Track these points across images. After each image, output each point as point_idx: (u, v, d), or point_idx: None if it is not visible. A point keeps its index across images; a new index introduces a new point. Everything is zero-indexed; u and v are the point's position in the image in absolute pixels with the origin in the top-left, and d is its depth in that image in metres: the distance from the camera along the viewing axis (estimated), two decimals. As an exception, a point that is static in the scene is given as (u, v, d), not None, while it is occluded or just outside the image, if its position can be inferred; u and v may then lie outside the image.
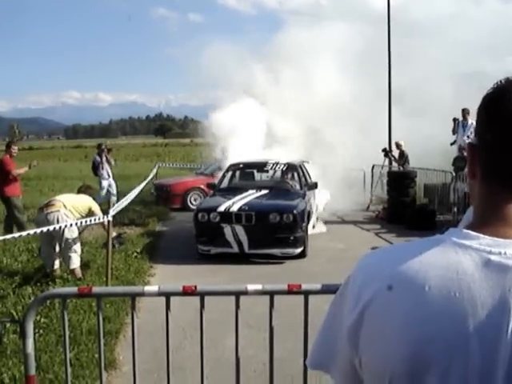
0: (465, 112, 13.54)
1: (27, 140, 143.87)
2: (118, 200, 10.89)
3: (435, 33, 20.62)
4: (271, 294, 2.81)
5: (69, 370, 3.01)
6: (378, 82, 15.61)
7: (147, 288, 3.06)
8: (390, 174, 13.29)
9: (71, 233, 7.16)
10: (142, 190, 11.55)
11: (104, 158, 14.56)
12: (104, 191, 13.96)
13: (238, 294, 2.82)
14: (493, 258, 0.83)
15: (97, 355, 3.91)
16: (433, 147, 13.63)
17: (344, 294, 0.96)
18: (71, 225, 6.98)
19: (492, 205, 0.90)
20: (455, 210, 11.21)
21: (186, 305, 3.92)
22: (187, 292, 2.77)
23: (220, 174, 11.58)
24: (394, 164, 14.21)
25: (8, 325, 5.14)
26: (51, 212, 7.14)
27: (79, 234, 7.58)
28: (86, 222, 7.15)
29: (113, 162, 15.00)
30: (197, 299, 2.87)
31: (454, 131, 14.05)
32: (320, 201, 11.70)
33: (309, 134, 13.39)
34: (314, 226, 10.76)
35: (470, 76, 18.37)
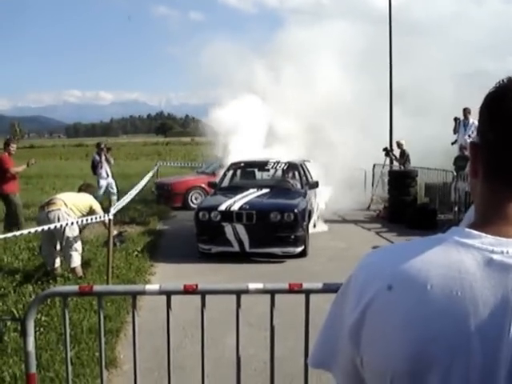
0: (466, 111, 13.54)
1: (28, 138, 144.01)
2: (118, 199, 10.90)
3: (437, 32, 20.65)
4: (272, 293, 2.81)
5: (69, 368, 3.01)
6: (379, 81, 15.60)
7: (148, 287, 3.06)
8: (391, 173, 13.29)
9: (72, 231, 7.17)
10: (142, 189, 11.54)
11: (103, 157, 14.57)
12: (102, 190, 13.94)
13: (239, 293, 2.82)
14: (495, 257, 0.83)
15: (97, 354, 3.91)
16: (434, 146, 13.63)
17: (346, 293, 0.96)
18: (72, 223, 6.98)
19: (494, 204, 0.90)
20: (456, 209, 11.22)
21: (186, 304, 3.92)
22: (188, 291, 2.77)
23: (221, 173, 11.59)
24: (395, 163, 14.20)
25: (9, 323, 5.15)
26: (52, 210, 7.15)
27: (80, 232, 7.58)
28: (87, 220, 7.16)
29: (112, 161, 15.01)
30: (197, 298, 2.87)
31: (455, 130, 14.05)
32: (323, 196, 11.71)
33: (310, 132, 13.38)
34: (314, 225, 10.76)
35: (471, 75, 18.41)
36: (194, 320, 4.53)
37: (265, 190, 9.98)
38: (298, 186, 10.55)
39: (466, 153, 12.49)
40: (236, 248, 8.87)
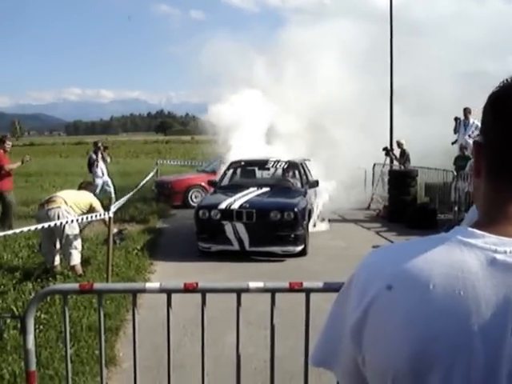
0: (466, 111, 13.54)
1: (28, 136, 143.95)
2: (116, 197, 10.90)
3: (437, 32, 20.62)
4: (273, 292, 2.81)
5: (69, 366, 3.01)
6: (379, 80, 15.59)
7: (148, 285, 3.06)
8: (391, 172, 13.29)
9: (72, 229, 7.17)
10: (142, 187, 11.57)
11: (100, 156, 14.63)
12: (98, 189, 13.97)
13: (239, 292, 2.82)
14: (498, 256, 0.83)
15: (97, 352, 3.91)
16: (434, 146, 13.63)
17: (347, 292, 0.96)
18: (72, 221, 6.99)
19: (497, 203, 0.90)
20: (456, 209, 11.21)
21: (186, 302, 3.91)
22: (188, 289, 2.76)
23: (222, 170, 11.60)
24: (395, 163, 14.20)
25: (8, 320, 5.15)
26: (52, 208, 7.15)
27: (80, 231, 7.58)
28: (87, 218, 7.16)
29: (108, 160, 15.08)
30: (197, 296, 2.86)
31: (456, 130, 14.05)
32: (327, 189, 11.71)
33: (310, 131, 13.39)
34: (314, 225, 10.77)
35: (472, 75, 18.37)
36: (193, 318, 4.53)
37: (265, 189, 9.98)
38: (298, 184, 10.55)
39: (467, 153, 12.50)
40: (236, 247, 8.87)
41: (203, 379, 2.93)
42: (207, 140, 15.74)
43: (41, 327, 5.18)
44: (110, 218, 7.02)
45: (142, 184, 10.43)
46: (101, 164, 14.65)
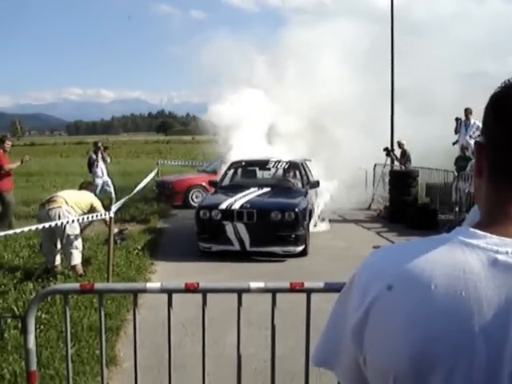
0: (467, 112, 13.52)
1: (29, 136, 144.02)
2: (116, 197, 10.91)
3: (438, 32, 20.63)
4: (273, 292, 2.81)
5: (70, 366, 3.01)
6: (380, 80, 15.60)
7: (149, 285, 3.06)
8: (392, 173, 13.29)
9: (73, 229, 7.17)
10: (143, 187, 11.55)
11: (100, 156, 14.66)
12: (98, 189, 13.98)
13: (240, 292, 2.82)
14: (500, 257, 0.83)
15: (97, 351, 3.91)
16: (435, 146, 13.63)
17: (349, 292, 0.96)
18: (73, 221, 6.99)
19: (499, 203, 0.90)
20: (457, 209, 11.22)
21: (186, 302, 3.91)
22: (190, 289, 2.76)
23: (223, 169, 11.59)
24: (396, 163, 14.20)
25: (9, 320, 5.15)
26: (53, 208, 7.15)
27: (81, 231, 7.58)
28: (87, 218, 7.16)
29: (108, 160, 15.12)
30: (197, 296, 2.86)
31: (457, 131, 14.04)
32: (327, 189, 11.70)
33: (311, 131, 13.38)
34: (315, 225, 10.76)
35: (473, 76, 18.39)
36: (194, 318, 4.53)
37: (266, 189, 9.98)
38: (299, 185, 10.55)
39: (467, 153, 12.50)
40: (236, 247, 8.87)
41: (204, 379, 2.93)
42: (208, 140, 15.74)
43: (41, 327, 5.18)
44: (110, 217, 7.02)
45: (143, 185, 10.42)
46: (101, 164, 14.70)
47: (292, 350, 4.23)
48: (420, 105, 16.52)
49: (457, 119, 14.00)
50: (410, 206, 11.90)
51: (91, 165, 14.75)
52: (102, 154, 14.79)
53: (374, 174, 14.97)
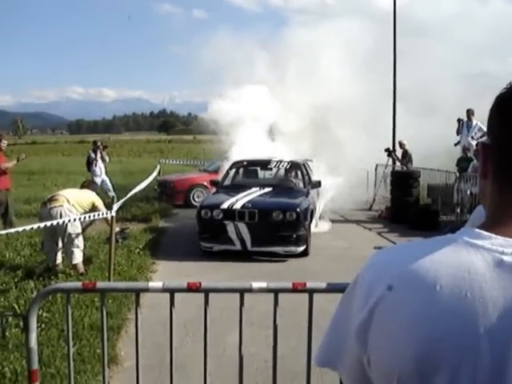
0: (469, 113, 13.52)
1: (31, 134, 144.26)
2: (116, 196, 10.90)
3: (440, 33, 20.63)
4: (276, 292, 2.80)
5: (71, 364, 3.01)
6: (382, 81, 15.58)
7: (151, 284, 3.06)
8: (394, 173, 13.28)
9: (74, 228, 7.18)
10: (145, 187, 11.56)
11: (99, 155, 14.68)
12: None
13: (242, 292, 2.81)
14: (505, 258, 0.82)
15: (99, 350, 3.92)
16: (437, 147, 13.61)
17: (352, 292, 0.96)
18: (74, 220, 6.99)
19: (504, 204, 0.90)
20: (458, 210, 11.21)
21: (187, 301, 3.91)
22: (192, 289, 2.76)
23: (225, 168, 11.59)
24: (398, 164, 14.18)
25: (10, 319, 5.15)
26: (54, 207, 7.16)
27: (83, 230, 7.59)
28: (89, 217, 7.16)
29: (107, 159, 15.14)
30: (198, 296, 2.86)
31: (458, 132, 14.04)
32: (332, 186, 11.69)
33: (312, 131, 13.37)
34: (317, 225, 10.76)
35: (475, 76, 18.39)
36: (195, 318, 4.53)
37: (267, 189, 9.98)
38: (301, 185, 10.55)
39: (469, 154, 12.49)
40: (238, 246, 8.87)
41: (205, 379, 2.93)
42: (209, 139, 15.72)
43: (43, 326, 5.18)
44: (112, 216, 7.02)
45: (144, 185, 10.43)
46: (99, 163, 14.72)
47: (293, 350, 4.22)
48: (422, 105, 16.51)
49: (459, 120, 13.99)
50: (411, 206, 11.89)
51: (90, 164, 14.79)
52: (100, 152, 14.83)
53: (376, 175, 14.95)
